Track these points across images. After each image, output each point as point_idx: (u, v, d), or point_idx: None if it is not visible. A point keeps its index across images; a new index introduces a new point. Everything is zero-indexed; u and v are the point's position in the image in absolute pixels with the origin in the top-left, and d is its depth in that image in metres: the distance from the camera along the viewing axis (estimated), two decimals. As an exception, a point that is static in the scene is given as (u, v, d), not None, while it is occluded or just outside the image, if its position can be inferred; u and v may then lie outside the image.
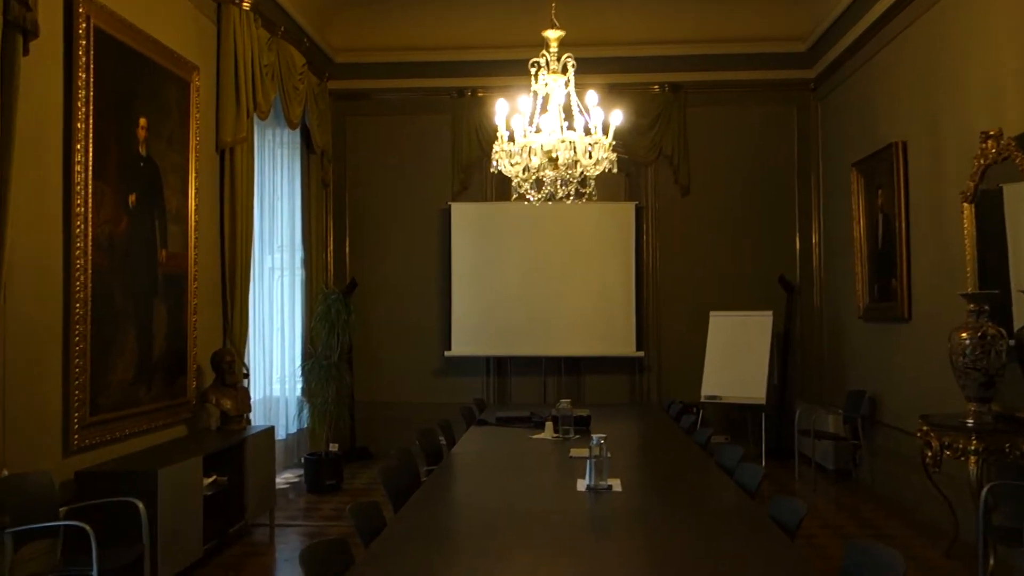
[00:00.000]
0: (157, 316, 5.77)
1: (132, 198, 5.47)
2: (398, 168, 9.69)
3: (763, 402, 8.49)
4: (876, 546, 2.75)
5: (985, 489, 4.56)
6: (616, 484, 4.04)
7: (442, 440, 5.95)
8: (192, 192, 6.20)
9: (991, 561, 4.74)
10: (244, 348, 6.81)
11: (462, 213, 9.53)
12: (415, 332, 9.60)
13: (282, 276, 8.33)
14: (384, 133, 9.72)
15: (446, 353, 9.47)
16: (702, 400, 8.74)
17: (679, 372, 9.36)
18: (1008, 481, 4.99)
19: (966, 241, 5.77)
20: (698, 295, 9.42)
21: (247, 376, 6.75)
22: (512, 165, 5.27)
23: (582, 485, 4.04)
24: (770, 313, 8.83)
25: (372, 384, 9.54)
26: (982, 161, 5.47)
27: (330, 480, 7.70)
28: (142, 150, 5.61)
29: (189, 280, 6.19)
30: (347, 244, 9.68)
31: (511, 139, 5.21)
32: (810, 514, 3.44)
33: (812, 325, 9.46)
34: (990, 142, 5.36)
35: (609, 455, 4.08)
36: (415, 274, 9.65)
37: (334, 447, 7.99)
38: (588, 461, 4.04)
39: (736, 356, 8.74)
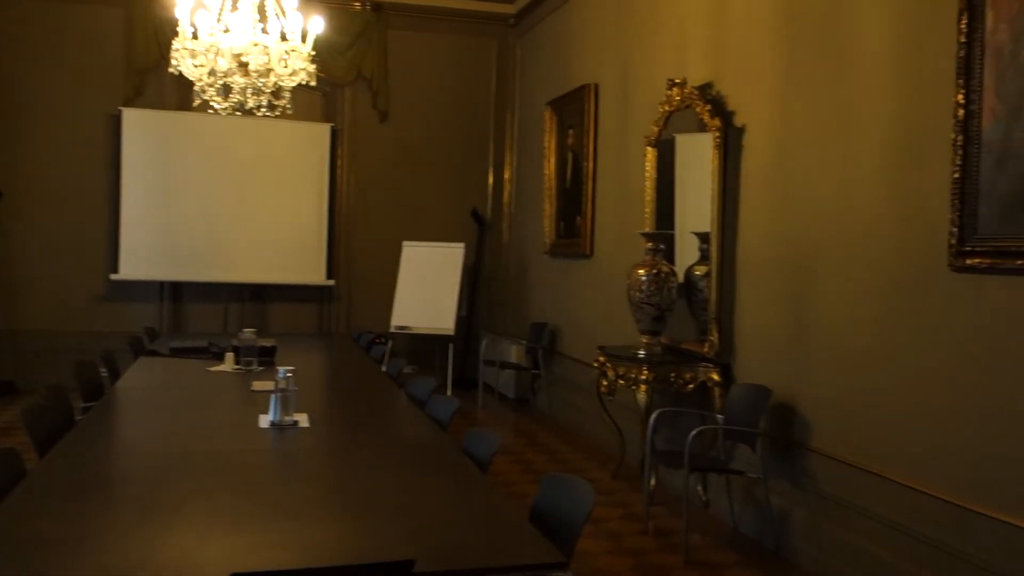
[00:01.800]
0: None
1: None
2: (58, 63, 8.40)
3: (452, 333, 8.58)
4: (569, 478, 2.76)
5: (653, 416, 4.88)
6: (303, 419, 3.77)
7: (104, 373, 5.29)
8: None
9: (652, 481, 5.12)
10: None
11: (136, 120, 8.51)
12: (75, 251, 8.50)
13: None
14: (42, 21, 8.35)
15: (112, 276, 8.49)
16: (392, 330, 8.66)
17: (370, 302, 9.19)
18: (671, 408, 5.40)
19: (647, 183, 6.09)
20: (392, 224, 9.26)
21: None
22: (195, 67, 4.68)
23: (265, 421, 3.73)
24: (462, 245, 8.90)
25: (19, 309, 8.35)
26: (667, 107, 5.76)
27: (-38, 419, 6.65)
28: None
29: None
30: (-10, 146, 8.29)
31: (195, 36, 4.61)
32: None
33: (501, 259, 9.70)
34: (675, 89, 5.65)
35: (296, 388, 3.79)
36: (77, 186, 8.49)
37: (-32, 380, 6.90)
38: (272, 395, 3.73)
39: (427, 287, 8.72)
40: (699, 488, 5.23)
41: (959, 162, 3.44)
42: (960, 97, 3.43)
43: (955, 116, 3.45)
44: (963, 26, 3.42)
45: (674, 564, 4.34)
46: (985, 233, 3.35)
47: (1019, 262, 3.17)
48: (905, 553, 3.73)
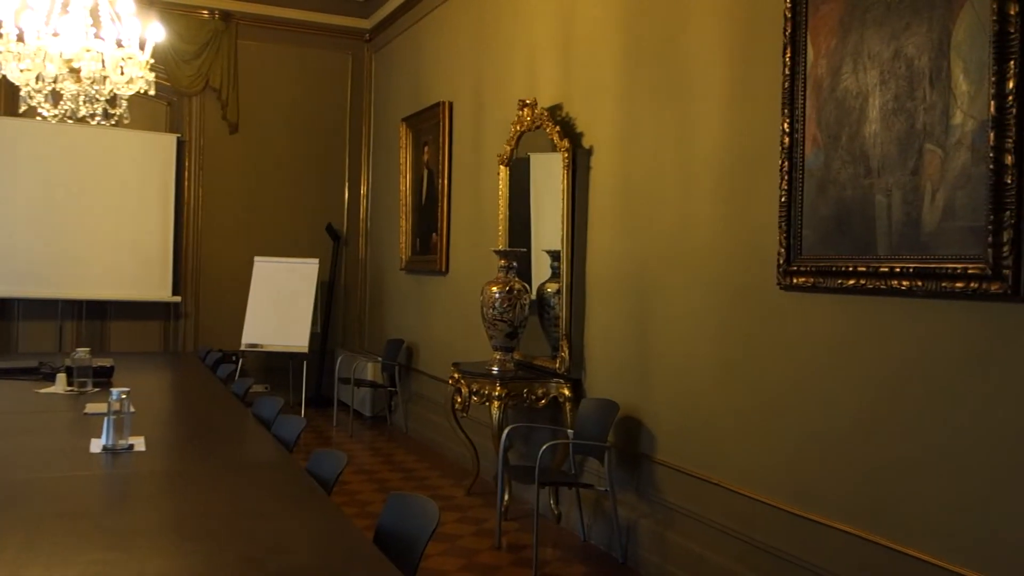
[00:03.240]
0: None
1: None
2: None
3: (305, 350, 8.40)
4: (413, 497, 2.74)
5: (505, 431, 4.92)
6: (139, 443, 3.60)
7: (-83, 398, 4.88)
8: None
9: (506, 497, 5.16)
10: None
11: (-41, 126, 7.94)
12: None
13: None
14: None
15: (-69, 292, 7.88)
16: (242, 348, 8.39)
17: (219, 319, 8.88)
18: (523, 424, 5.47)
19: (500, 201, 6.17)
20: (243, 239, 9.00)
21: None
22: (21, 71, 4.41)
23: (97, 446, 3.53)
24: (316, 261, 8.74)
25: None
26: (518, 127, 5.86)
27: None
28: None
29: None
30: None
31: (20, 39, 4.35)
32: (347, 462, 3.37)
33: (356, 275, 9.59)
34: (526, 110, 5.75)
35: (133, 410, 3.61)
36: None
37: None
38: (106, 418, 3.54)
39: (280, 304, 8.51)
40: (551, 503, 5.31)
41: (785, 187, 3.65)
42: (785, 125, 3.65)
43: (781, 143, 3.67)
44: (787, 59, 3.64)
45: (524, 578, 4.39)
46: (809, 254, 3.57)
47: (839, 281, 3.40)
48: (742, 559, 3.90)
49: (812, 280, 3.53)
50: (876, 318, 3.30)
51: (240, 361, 8.09)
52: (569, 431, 5.00)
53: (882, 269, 3.21)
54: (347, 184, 9.58)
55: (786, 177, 3.65)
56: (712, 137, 4.22)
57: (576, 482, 4.91)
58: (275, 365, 8.93)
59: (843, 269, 3.38)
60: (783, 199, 3.67)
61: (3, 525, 2.58)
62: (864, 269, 3.28)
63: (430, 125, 7.71)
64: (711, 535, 4.10)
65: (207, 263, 8.99)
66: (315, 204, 9.38)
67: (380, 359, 8.31)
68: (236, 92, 9.00)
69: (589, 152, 5.26)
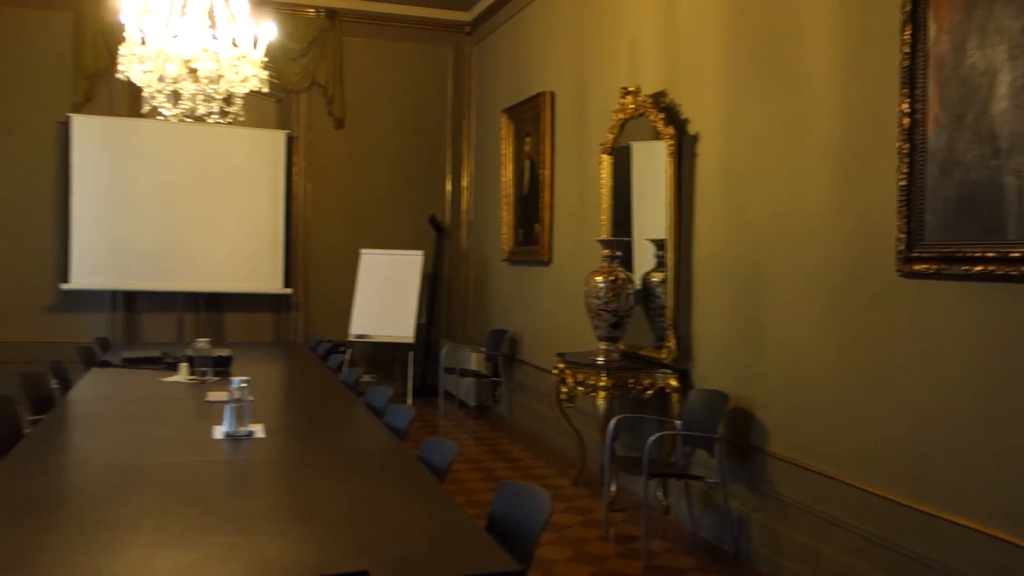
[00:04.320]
0: None
1: None
2: (7, 68, 8.23)
3: (411, 341, 8.54)
4: (525, 486, 2.75)
5: (613, 422, 4.89)
6: (258, 430, 3.73)
7: (55, 385, 5.18)
8: None
9: (613, 487, 5.13)
10: None
11: (86, 127, 8.36)
12: (22, 261, 8.31)
13: None
14: (-14, 26, 8.20)
15: (62, 286, 8.32)
16: (350, 339, 8.59)
17: (328, 310, 9.12)
18: (630, 414, 5.42)
19: (603, 190, 6.12)
20: (349, 232, 9.20)
21: None
22: (144, 73, 4.61)
23: (219, 432, 3.68)
24: (420, 253, 8.87)
25: (-34, 321, 8.16)
26: (621, 115, 5.80)
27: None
28: None
29: None
30: (-66, 154, 8.09)
31: (143, 42, 4.54)
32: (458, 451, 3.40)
33: (459, 266, 9.68)
34: (629, 97, 5.68)
35: (251, 399, 3.74)
36: (23, 194, 8.30)
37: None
38: (227, 406, 3.68)
39: (386, 295, 8.68)
40: (659, 494, 5.25)
41: (905, 170, 3.50)
42: (905, 106, 3.49)
43: (900, 125, 3.52)
44: (906, 36, 3.49)
45: (634, 570, 4.36)
46: (931, 240, 3.41)
47: (964, 268, 3.24)
48: (861, 554, 3.78)
49: (935, 267, 3.38)
50: (1005, 306, 3.13)
51: (348, 351, 8.28)
52: (677, 422, 4.93)
53: (1012, 255, 3.04)
54: (449, 176, 9.68)
55: (906, 160, 3.50)
56: (823, 119, 4.08)
57: (685, 474, 4.85)
58: (381, 355, 9.11)
59: (969, 255, 3.21)
60: (902, 183, 3.52)
61: (137, 508, 2.72)
62: (993, 255, 3.12)
63: (531, 116, 7.71)
64: (827, 529, 3.98)
65: (316, 256, 9.23)
66: (418, 196, 9.52)
67: (484, 349, 8.38)
68: (341, 88, 9.20)
69: (694, 139, 5.16)
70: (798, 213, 4.25)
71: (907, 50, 3.49)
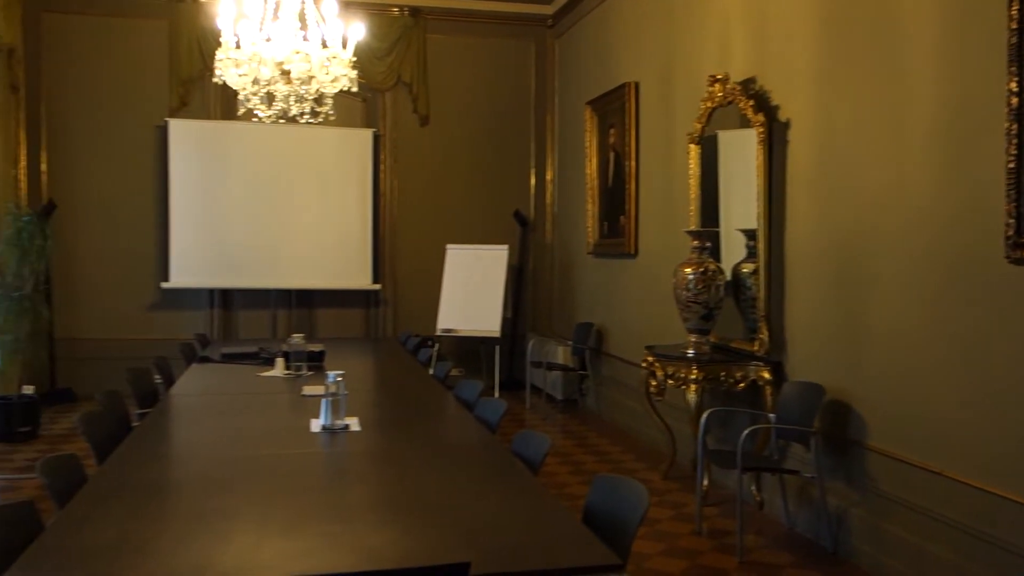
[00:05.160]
0: None
1: None
2: (106, 76, 8.58)
3: (498, 335, 8.59)
4: (621, 479, 2.73)
5: (705, 415, 4.82)
6: (353, 423, 3.80)
7: (158, 380, 5.38)
8: None
9: (705, 481, 5.06)
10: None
11: (182, 131, 8.65)
12: (126, 261, 8.66)
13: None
14: (88, 35, 8.54)
15: (163, 284, 8.65)
16: (438, 333, 8.69)
17: (415, 305, 9.24)
18: (722, 407, 5.34)
19: (691, 181, 6.03)
20: (435, 227, 9.30)
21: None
22: (239, 76, 4.73)
23: (316, 425, 3.76)
24: (505, 247, 8.90)
25: (75, 319, 8.54)
26: (709, 104, 5.71)
27: (24, 427, 6.81)
28: None
29: None
30: (43, 159, 8.46)
31: (238, 46, 4.67)
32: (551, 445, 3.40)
33: (545, 260, 9.69)
34: (717, 85, 5.59)
35: (346, 392, 3.82)
36: (126, 197, 8.66)
37: (28, 389, 7.06)
38: (323, 399, 3.77)
39: (472, 289, 8.74)
40: (752, 488, 5.16)
41: (1014, 152, 3.35)
42: (1013, 85, 3.34)
43: (1008, 105, 3.36)
44: (1014, 12, 3.33)
45: (729, 565, 4.29)
46: (1044, 223, 3.26)
47: (1081, 252, 3.08)
48: (972, 554, 3.63)
49: (1048, 252, 3.23)
50: None
51: (436, 345, 8.37)
52: (770, 415, 4.83)
53: None
54: (533, 170, 9.69)
55: (1015, 141, 3.35)
56: (925, 100, 3.93)
57: (780, 468, 4.75)
58: (468, 349, 9.19)
59: (1086, 239, 3.06)
60: (1011, 165, 3.37)
61: (242, 498, 2.81)
62: (1113, 238, 2.96)
63: (616, 107, 7.65)
64: (934, 528, 3.84)
65: (403, 251, 9.37)
66: (503, 191, 9.56)
67: (570, 343, 8.37)
68: (426, 85, 9.29)
69: (786, 125, 5.04)
70: (899, 199, 4.11)
71: (1015, 26, 3.33)
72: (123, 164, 8.65)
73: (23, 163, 8.27)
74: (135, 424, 4.13)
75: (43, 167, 8.45)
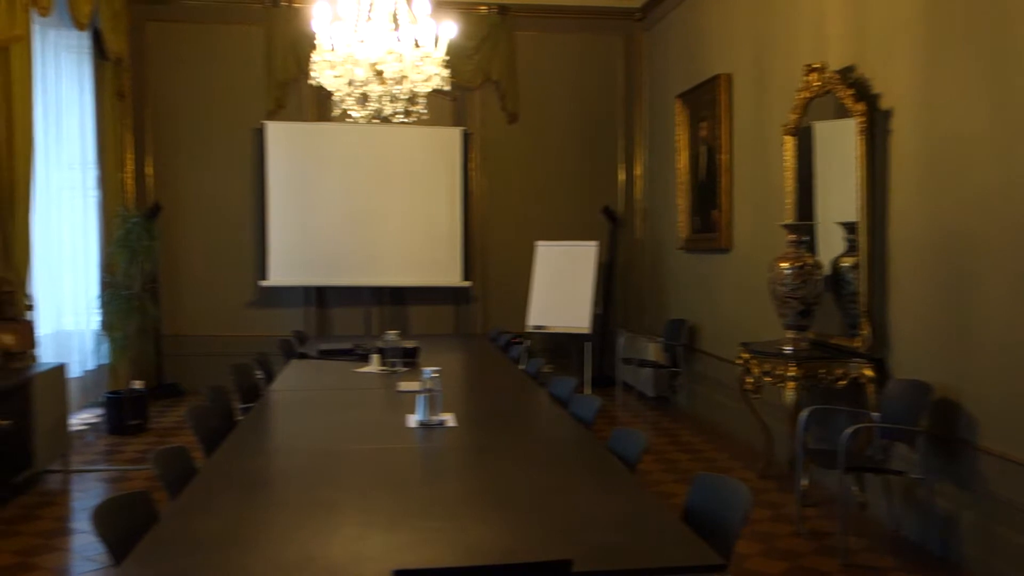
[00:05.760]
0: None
1: None
2: (207, 82, 8.88)
3: (588, 331, 8.55)
4: (722, 479, 2.68)
5: (804, 413, 4.70)
6: (449, 419, 3.83)
7: (259, 375, 5.54)
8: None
9: (805, 481, 4.93)
10: (26, 277, 6.04)
11: (278, 133, 8.89)
12: (227, 260, 8.96)
13: (73, 198, 7.47)
14: (190, 42, 8.85)
15: (261, 283, 8.90)
16: (528, 330, 8.70)
17: (505, 302, 9.28)
18: (822, 405, 5.19)
19: (787, 173, 5.88)
20: (524, 224, 9.32)
21: (30, 308, 6.02)
22: (334, 78, 4.83)
23: (413, 421, 3.81)
24: (595, 243, 8.85)
25: (180, 316, 8.87)
26: (806, 94, 5.55)
27: (134, 420, 7.10)
28: None
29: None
30: (149, 163, 8.81)
31: (332, 48, 4.76)
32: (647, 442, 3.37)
33: (635, 255, 9.60)
34: (814, 75, 5.43)
35: (441, 388, 3.85)
36: (226, 198, 8.95)
37: (138, 384, 7.37)
38: (419, 395, 3.81)
39: (562, 286, 8.73)
40: (854, 489, 5.01)
41: None
42: None
43: None
44: None
45: (831, 568, 4.17)
46: None
47: None
48: (1090, 559, 3.45)
49: None
50: None
51: (527, 342, 8.38)
52: (874, 414, 4.68)
53: None
54: (623, 165, 9.61)
55: None
56: (1042, 86, 3.74)
57: (885, 468, 4.59)
58: (558, 346, 9.18)
59: None
60: None
61: (344, 491, 2.86)
62: None
63: (707, 100, 7.52)
64: (1051, 532, 3.66)
65: (493, 248, 9.41)
66: (592, 187, 9.51)
67: (661, 339, 8.27)
68: (514, 83, 9.31)
69: (887, 114, 4.87)
70: (1011, 186, 3.91)
71: None
72: (223, 166, 8.93)
73: (130, 167, 8.62)
74: (239, 418, 4.26)
75: (148, 170, 8.80)
